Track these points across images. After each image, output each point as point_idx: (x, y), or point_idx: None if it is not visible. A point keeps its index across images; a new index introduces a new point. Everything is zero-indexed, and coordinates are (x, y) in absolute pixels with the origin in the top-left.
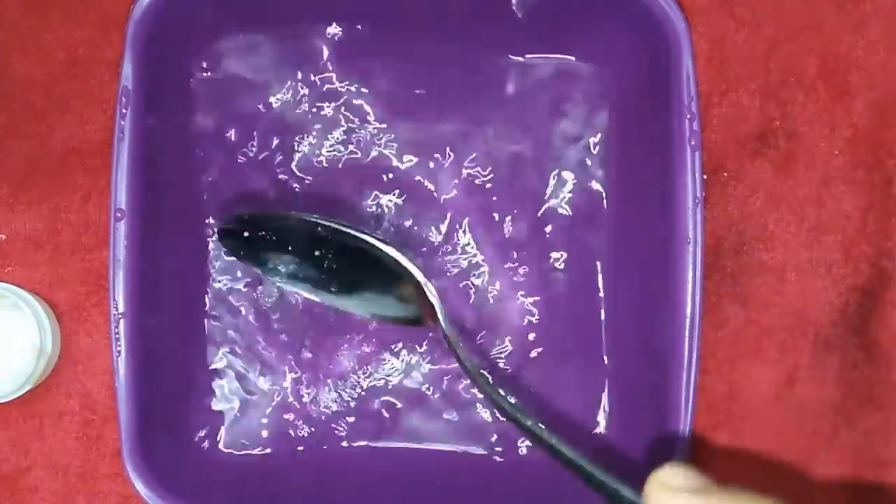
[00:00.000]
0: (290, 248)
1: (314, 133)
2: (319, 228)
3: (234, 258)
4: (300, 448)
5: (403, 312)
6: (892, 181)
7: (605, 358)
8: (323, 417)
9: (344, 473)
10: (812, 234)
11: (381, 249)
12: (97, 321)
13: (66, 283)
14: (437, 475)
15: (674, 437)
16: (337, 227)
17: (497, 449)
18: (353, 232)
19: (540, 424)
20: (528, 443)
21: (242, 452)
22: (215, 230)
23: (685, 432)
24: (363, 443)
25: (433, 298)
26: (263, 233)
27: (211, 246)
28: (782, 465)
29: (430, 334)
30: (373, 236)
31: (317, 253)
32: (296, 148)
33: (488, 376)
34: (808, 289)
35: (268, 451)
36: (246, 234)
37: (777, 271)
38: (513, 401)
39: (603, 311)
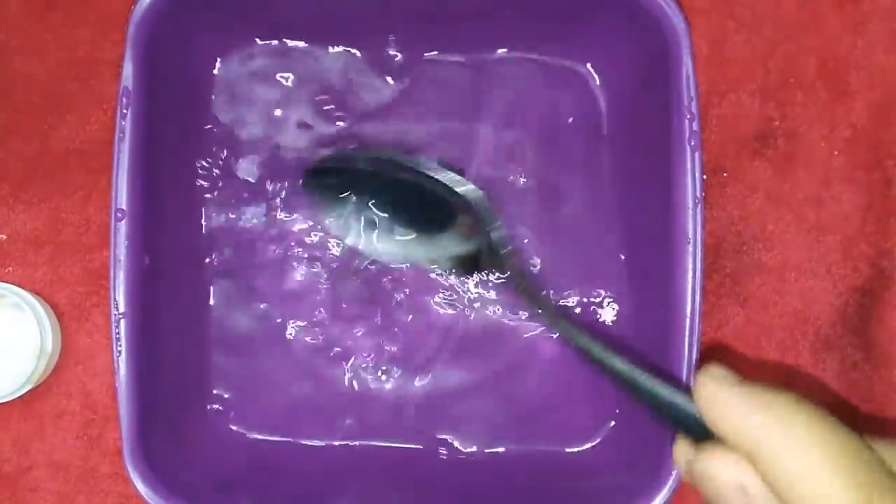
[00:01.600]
0: (363, 189)
1: (314, 133)
2: (397, 169)
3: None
4: (301, 448)
5: (468, 249)
6: (891, 181)
7: None
8: (324, 417)
9: (345, 473)
10: (811, 234)
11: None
12: (98, 321)
13: (67, 282)
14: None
15: (674, 436)
16: (407, 163)
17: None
18: (420, 169)
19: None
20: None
21: (244, 451)
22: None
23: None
24: (364, 442)
25: (500, 234)
26: (341, 174)
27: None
28: None
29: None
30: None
31: (389, 193)
32: (296, 148)
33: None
34: (807, 289)
35: (268, 450)
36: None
37: (777, 271)
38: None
39: (604, 310)
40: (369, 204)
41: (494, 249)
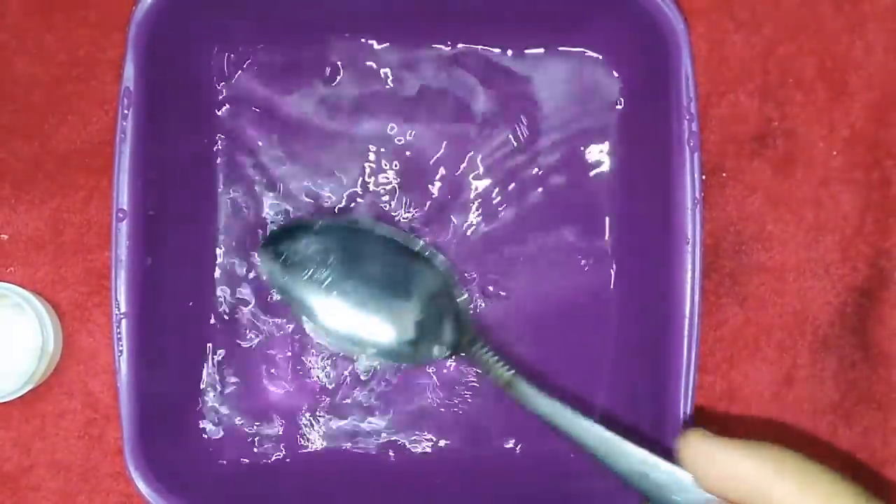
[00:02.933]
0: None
1: (313, 134)
2: (350, 234)
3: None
4: (301, 447)
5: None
6: (890, 181)
7: (605, 357)
8: (325, 416)
9: (346, 473)
10: (810, 234)
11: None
12: (99, 321)
13: (68, 282)
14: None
15: (673, 437)
16: (365, 227)
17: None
18: (386, 233)
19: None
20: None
21: (244, 451)
22: (257, 252)
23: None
24: (365, 441)
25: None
26: (298, 245)
27: (213, 245)
28: None
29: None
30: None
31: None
32: (295, 148)
33: (522, 382)
34: (806, 289)
35: (269, 450)
36: (282, 249)
37: (775, 271)
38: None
39: (603, 310)
40: (331, 277)
41: (463, 327)
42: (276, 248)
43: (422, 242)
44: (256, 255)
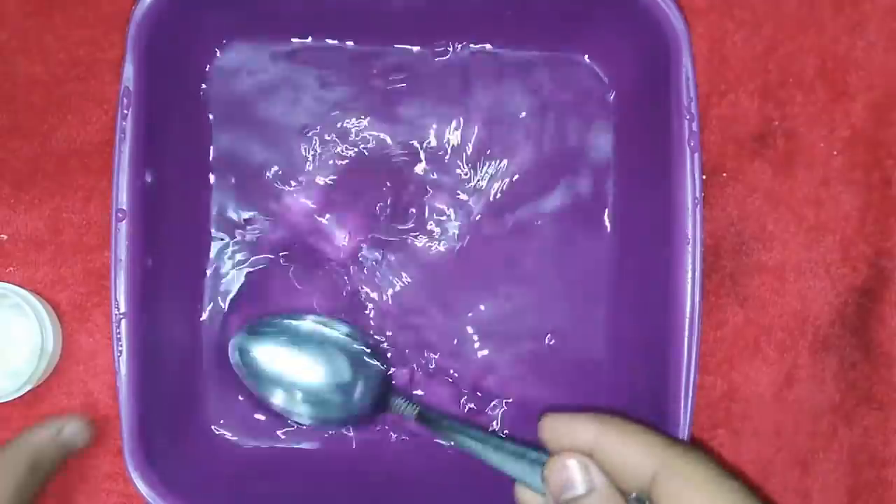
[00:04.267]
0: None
1: (313, 134)
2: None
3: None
4: (301, 446)
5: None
6: (890, 181)
7: (605, 357)
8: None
9: (346, 471)
10: (811, 234)
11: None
12: (98, 321)
13: (68, 283)
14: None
15: (673, 437)
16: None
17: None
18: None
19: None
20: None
21: (244, 451)
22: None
23: (684, 431)
24: (366, 441)
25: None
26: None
27: (211, 245)
28: (781, 464)
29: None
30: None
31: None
32: (297, 148)
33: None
34: (806, 289)
35: (269, 449)
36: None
37: (776, 271)
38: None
39: (603, 311)
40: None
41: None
42: (243, 341)
43: (350, 329)
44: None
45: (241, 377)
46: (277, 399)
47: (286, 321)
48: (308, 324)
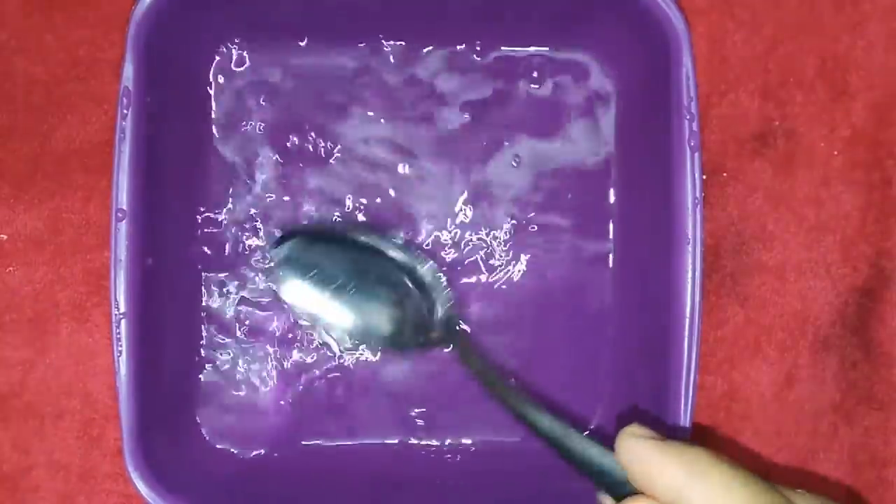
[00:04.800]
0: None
1: (313, 135)
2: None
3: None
4: (301, 447)
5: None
6: (890, 181)
7: (605, 357)
8: (325, 416)
9: (347, 472)
10: (811, 234)
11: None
12: (98, 321)
13: (67, 282)
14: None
15: (673, 436)
16: (363, 239)
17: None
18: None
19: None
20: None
21: (243, 451)
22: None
23: (685, 431)
24: (366, 441)
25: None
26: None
27: (212, 244)
28: (782, 464)
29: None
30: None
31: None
32: (296, 150)
33: (505, 384)
34: (807, 288)
35: (269, 449)
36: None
37: (776, 271)
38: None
39: (604, 311)
40: (334, 276)
41: (448, 324)
42: (286, 252)
43: (413, 255)
44: (268, 255)
45: (279, 293)
46: (324, 324)
47: (336, 237)
48: (362, 241)
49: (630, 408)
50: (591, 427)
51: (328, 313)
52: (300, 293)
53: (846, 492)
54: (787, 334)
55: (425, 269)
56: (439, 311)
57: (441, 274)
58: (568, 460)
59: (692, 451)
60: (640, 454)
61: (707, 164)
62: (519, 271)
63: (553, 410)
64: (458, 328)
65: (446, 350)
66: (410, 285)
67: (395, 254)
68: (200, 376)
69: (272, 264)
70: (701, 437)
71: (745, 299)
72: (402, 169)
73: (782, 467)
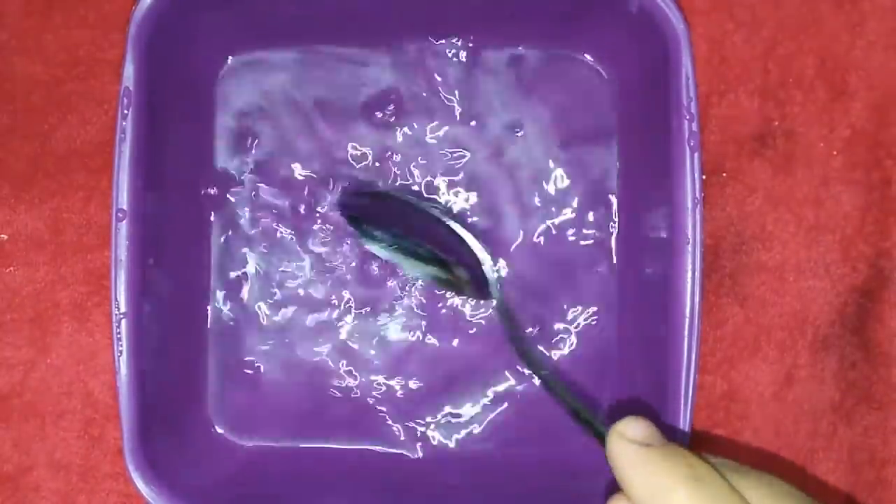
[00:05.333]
0: (386, 220)
1: (314, 135)
2: (412, 207)
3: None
4: (302, 447)
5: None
6: (890, 181)
7: (605, 357)
8: (326, 417)
9: (347, 472)
10: (811, 234)
11: (451, 229)
12: (99, 321)
13: (68, 282)
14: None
15: (673, 436)
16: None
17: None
18: (430, 209)
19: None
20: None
21: (244, 451)
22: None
23: (684, 431)
24: (361, 444)
25: (492, 275)
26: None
27: (212, 246)
28: (781, 464)
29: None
30: (441, 213)
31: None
32: (295, 150)
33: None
34: (806, 288)
35: (270, 449)
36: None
37: (776, 271)
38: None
39: (603, 310)
40: (391, 229)
41: (486, 282)
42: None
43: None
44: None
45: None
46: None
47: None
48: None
49: (630, 407)
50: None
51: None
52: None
53: (845, 492)
54: (787, 334)
55: (467, 234)
56: (488, 270)
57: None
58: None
59: (670, 463)
60: (623, 460)
61: (706, 165)
62: (518, 271)
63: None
64: (502, 287)
65: (491, 305)
66: (463, 241)
67: (440, 215)
68: (201, 376)
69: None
70: (700, 437)
71: (745, 299)
72: (398, 168)
73: (781, 467)
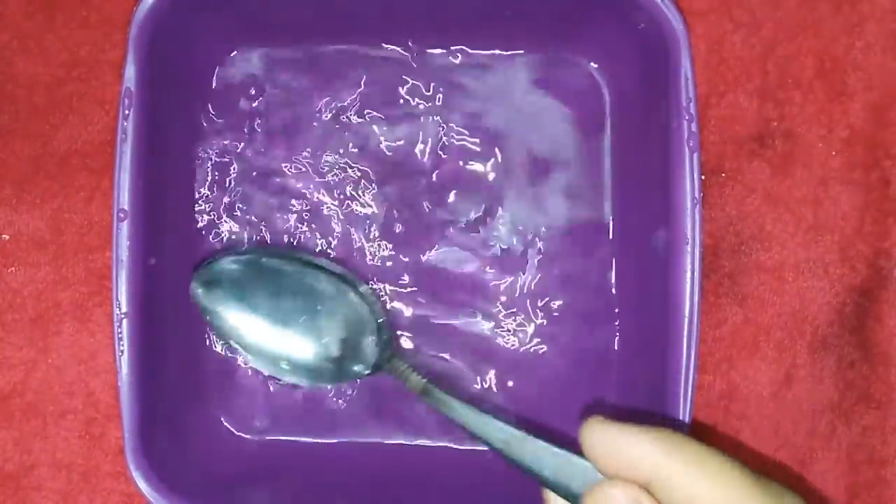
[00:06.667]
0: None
1: (315, 136)
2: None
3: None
4: (303, 446)
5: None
6: (889, 181)
7: (605, 357)
8: (327, 416)
9: (349, 471)
10: (809, 234)
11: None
12: (100, 320)
13: (69, 282)
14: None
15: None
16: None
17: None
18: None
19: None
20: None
21: (246, 449)
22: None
23: (684, 431)
24: (368, 440)
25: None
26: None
27: (213, 242)
28: (780, 464)
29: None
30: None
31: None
32: (297, 150)
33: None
34: (805, 288)
35: (270, 449)
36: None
37: (775, 271)
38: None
39: (603, 310)
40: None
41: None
42: (205, 275)
43: (341, 269)
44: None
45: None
46: (257, 363)
47: (258, 261)
48: (291, 265)
49: (630, 407)
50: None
51: (249, 333)
52: (220, 313)
53: (844, 491)
54: (786, 334)
55: (358, 286)
56: (375, 333)
57: (372, 291)
58: (517, 465)
59: (660, 430)
60: (608, 438)
61: (706, 165)
62: (518, 272)
63: (504, 415)
64: (393, 350)
65: (383, 371)
66: (340, 304)
67: (325, 268)
68: (202, 375)
69: (195, 287)
70: (699, 437)
71: (744, 299)
72: (404, 170)
73: (781, 466)
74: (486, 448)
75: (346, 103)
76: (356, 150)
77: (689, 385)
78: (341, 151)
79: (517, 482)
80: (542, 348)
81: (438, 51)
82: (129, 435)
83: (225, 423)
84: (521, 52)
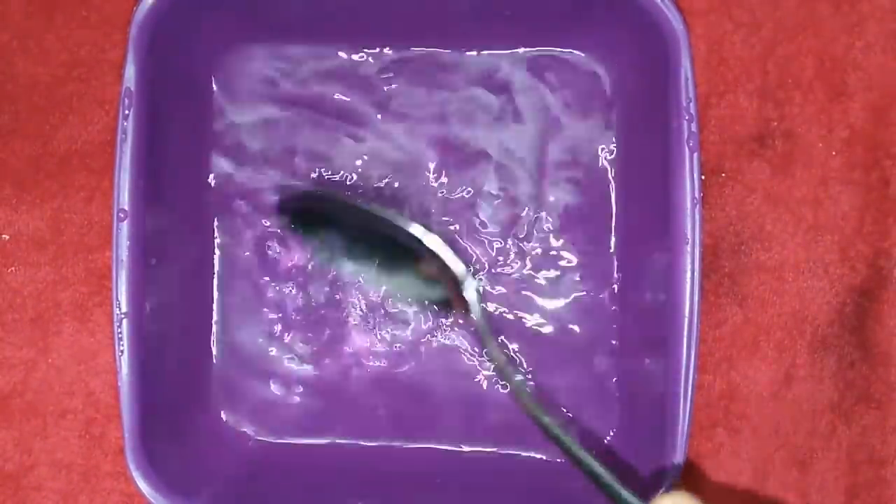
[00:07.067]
0: (340, 229)
1: (315, 137)
2: (371, 215)
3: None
4: (303, 446)
5: (441, 297)
6: (888, 181)
7: (605, 357)
8: (327, 416)
9: (348, 472)
10: (809, 234)
11: (422, 241)
12: (100, 320)
13: (69, 282)
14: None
15: (672, 436)
16: (383, 215)
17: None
18: (396, 222)
19: (559, 426)
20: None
21: (245, 450)
22: (278, 204)
23: (684, 430)
24: (364, 441)
25: (470, 292)
26: (318, 211)
27: (215, 244)
28: (780, 463)
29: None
30: (415, 225)
31: (365, 237)
32: (296, 152)
33: (516, 374)
34: (805, 288)
35: (270, 449)
36: (301, 210)
37: (775, 271)
38: (535, 400)
39: (603, 310)
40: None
41: (462, 298)
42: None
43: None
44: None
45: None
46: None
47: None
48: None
49: (629, 408)
50: (593, 440)
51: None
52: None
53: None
54: (786, 334)
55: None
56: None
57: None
58: (577, 468)
59: None
60: None
61: (706, 165)
62: (518, 271)
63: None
64: (481, 301)
65: (468, 318)
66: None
67: (405, 224)
68: (202, 375)
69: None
70: (699, 436)
71: (744, 299)
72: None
73: (780, 466)
74: (486, 449)
75: (347, 102)
76: (355, 149)
77: (689, 385)
78: (341, 150)
79: (517, 484)
80: (542, 349)
81: (438, 50)
82: (129, 435)
83: (225, 423)
84: (522, 50)
